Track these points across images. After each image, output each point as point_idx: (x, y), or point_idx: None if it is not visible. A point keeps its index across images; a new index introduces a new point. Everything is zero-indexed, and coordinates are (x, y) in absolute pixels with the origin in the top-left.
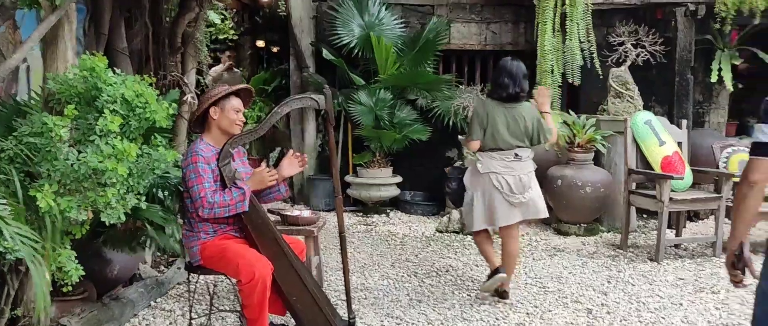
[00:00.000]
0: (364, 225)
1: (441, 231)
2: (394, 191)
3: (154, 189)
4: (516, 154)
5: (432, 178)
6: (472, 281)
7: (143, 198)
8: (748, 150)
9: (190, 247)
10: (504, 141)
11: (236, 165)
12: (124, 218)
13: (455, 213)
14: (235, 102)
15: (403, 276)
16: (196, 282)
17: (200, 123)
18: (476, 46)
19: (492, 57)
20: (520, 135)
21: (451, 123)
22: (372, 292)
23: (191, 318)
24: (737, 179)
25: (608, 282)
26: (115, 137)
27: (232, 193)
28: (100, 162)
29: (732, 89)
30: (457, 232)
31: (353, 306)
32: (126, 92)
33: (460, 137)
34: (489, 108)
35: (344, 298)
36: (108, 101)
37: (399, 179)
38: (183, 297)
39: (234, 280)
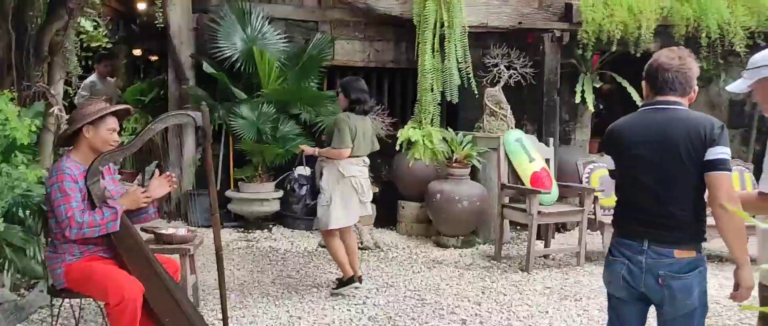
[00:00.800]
0: (245, 241)
1: (323, 246)
2: (277, 206)
3: (15, 209)
4: (364, 161)
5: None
6: (353, 296)
7: (1, 219)
8: (607, 166)
9: (54, 270)
10: (362, 149)
11: (106, 183)
12: None
13: None
14: (111, 121)
15: (283, 292)
16: (60, 306)
17: (69, 138)
18: (360, 63)
19: (375, 74)
20: (369, 144)
21: None
22: (251, 310)
23: None
24: (599, 194)
25: (482, 292)
26: None
27: (103, 212)
28: None
29: (593, 109)
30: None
31: None
32: None
33: (303, 147)
34: (353, 120)
35: (221, 318)
36: None
37: (281, 194)
38: (45, 322)
39: (102, 303)
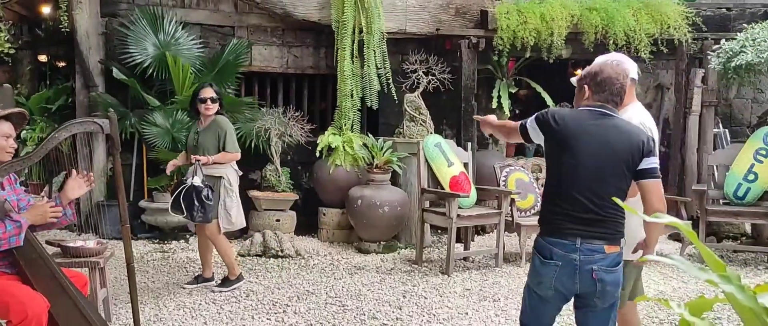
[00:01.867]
0: (160, 252)
1: (243, 255)
2: None
3: None
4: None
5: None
6: (273, 304)
7: None
8: (524, 169)
9: None
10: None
11: (6, 193)
12: None
13: (258, 237)
14: (6, 127)
15: (201, 304)
16: None
17: None
18: (278, 69)
19: (294, 80)
20: None
21: (253, 145)
22: (166, 323)
23: None
24: (515, 196)
25: (403, 296)
26: None
27: (6, 226)
28: None
29: (509, 114)
30: (260, 255)
31: None
32: None
33: (197, 157)
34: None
35: None
36: None
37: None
38: None
39: (3, 321)
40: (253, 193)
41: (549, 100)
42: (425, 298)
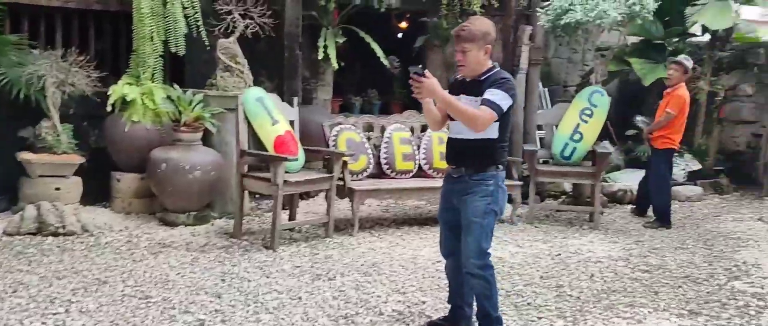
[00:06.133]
0: None
1: (11, 234)
2: None
3: None
4: None
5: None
6: (52, 301)
7: None
8: (355, 128)
9: None
10: None
11: None
12: None
13: (31, 210)
14: None
15: None
16: None
17: None
18: (55, 4)
19: (77, 17)
20: None
21: (22, 95)
22: None
23: None
24: (347, 158)
25: (222, 280)
26: None
27: None
28: None
29: (337, 66)
30: (34, 234)
31: None
32: None
33: None
34: None
35: None
36: None
37: None
38: None
39: None
40: (24, 156)
41: (379, 52)
42: (249, 281)
